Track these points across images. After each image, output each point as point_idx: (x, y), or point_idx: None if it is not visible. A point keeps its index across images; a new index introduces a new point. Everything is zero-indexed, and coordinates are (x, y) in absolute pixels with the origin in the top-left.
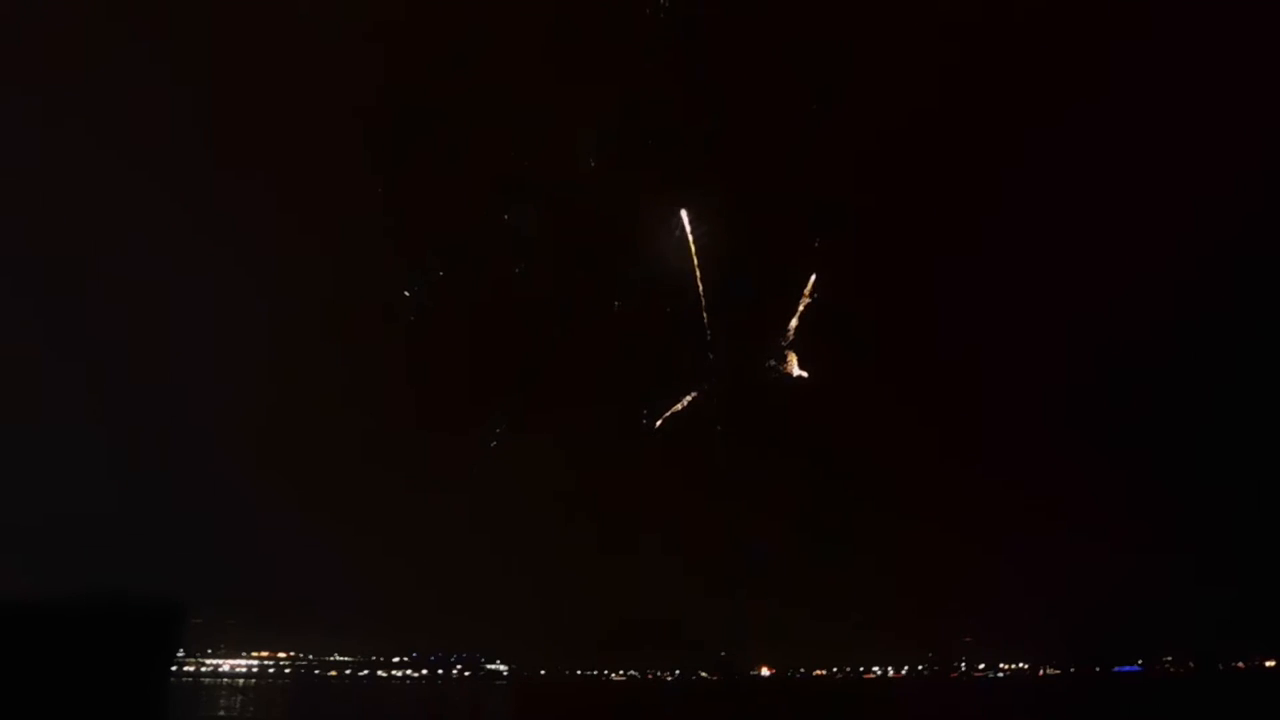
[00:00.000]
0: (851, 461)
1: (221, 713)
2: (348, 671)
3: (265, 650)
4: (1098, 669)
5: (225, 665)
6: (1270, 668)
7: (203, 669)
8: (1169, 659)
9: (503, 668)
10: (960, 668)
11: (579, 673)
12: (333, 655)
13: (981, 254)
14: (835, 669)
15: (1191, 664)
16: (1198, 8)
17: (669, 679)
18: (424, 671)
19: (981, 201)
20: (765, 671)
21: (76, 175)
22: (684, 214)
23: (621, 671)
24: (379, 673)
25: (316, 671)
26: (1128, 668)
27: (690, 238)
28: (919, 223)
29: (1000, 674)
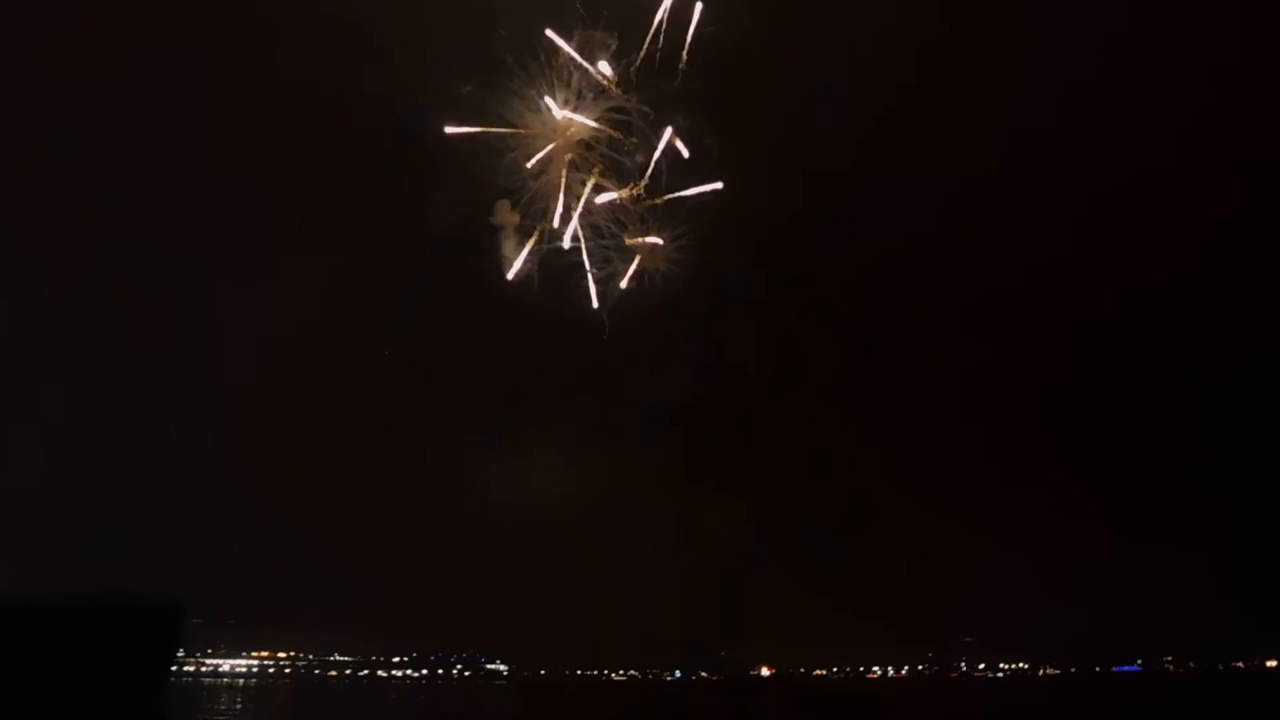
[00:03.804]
0: (850, 462)
1: (222, 713)
2: (348, 671)
3: (265, 650)
4: (1098, 669)
5: (225, 665)
6: (1270, 668)
7: (203, 669)
8: (1169, 659)
9: (503, 668)
10: (960, 668)
11: (579, 673)
12: (333, 655)
13: (981, 252)
14: (836, 669)
15: (1191, 664)
16: (1200, 7)
17: (669, 679)
18: (424, 671)
19: (980, 200)
20: (765, 671)
21: (76, 174)
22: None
23: (621, 671)
24: (379, 673)
25: (316, 671)
26: (1128, 668)
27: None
28: (919, 221)
29: (1000, 674)
